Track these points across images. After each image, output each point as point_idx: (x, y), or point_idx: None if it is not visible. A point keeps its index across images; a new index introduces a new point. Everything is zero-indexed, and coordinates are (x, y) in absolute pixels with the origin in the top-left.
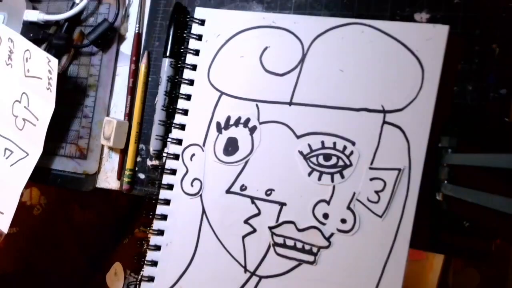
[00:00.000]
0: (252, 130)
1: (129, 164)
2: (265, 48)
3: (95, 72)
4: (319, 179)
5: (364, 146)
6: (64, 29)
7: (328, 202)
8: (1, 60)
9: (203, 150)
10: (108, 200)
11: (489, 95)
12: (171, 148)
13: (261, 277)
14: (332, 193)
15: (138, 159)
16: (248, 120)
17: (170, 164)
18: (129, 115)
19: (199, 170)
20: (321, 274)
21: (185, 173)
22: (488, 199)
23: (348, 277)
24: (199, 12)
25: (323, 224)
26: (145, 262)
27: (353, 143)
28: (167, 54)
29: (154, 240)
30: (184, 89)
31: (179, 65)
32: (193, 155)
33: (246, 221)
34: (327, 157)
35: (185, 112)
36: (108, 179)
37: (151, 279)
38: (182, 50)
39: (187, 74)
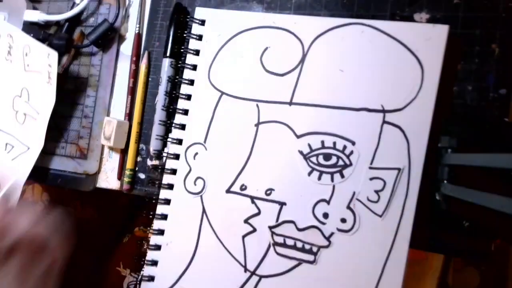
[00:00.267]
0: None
1: (129, 164)
2: (266, 48)
3: (95, 72)
4: (319, 178)
5: (364, 146)
6: (64, 29)
7: (328, 202)
8: (1, 56)
9: (206, 149)
10: (108, 199)
11: (489, 95)
12: (171, 148)
13: (261, 277)
14: (332, 192)
15: (139, 159)
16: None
17: (170, 164)
18: (129, 115)
19: (202, 169)
20: (321, 273)
21: (188, 171)
22: (488, 199)
23: (348, 276)
24: (199, 12)
25: (323, 223)
26: (145, 261)
27: (353, 143)
28: (167, 54)
29: (154, 239)
30: (184, 89)
31: (179, 65)
32: (196, 153)
33: (246, 221)
34: (327, 156)
35: (185, 112)
36: (109, 179)
37: (151, 278)
38: (182, 50)
39: (187, 74)
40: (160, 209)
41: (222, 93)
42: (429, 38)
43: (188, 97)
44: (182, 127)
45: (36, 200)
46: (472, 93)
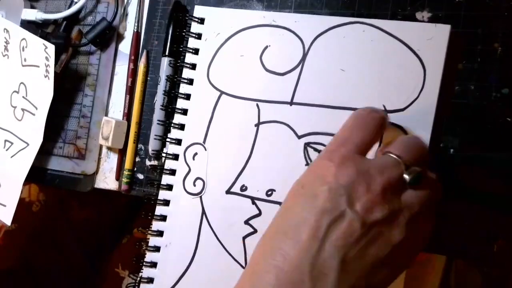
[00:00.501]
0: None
1: (127, 164)
2: (266, 47)
3: (93, 72)
4: None
5: None
6: (62, 28)
7: None
8: None
9: (205, 149)
10: (106, 199)
11: (491, 94)
12: (170, 148)
13: None
14: None
15: (137, 159)
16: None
17: (169, 164)
18: (127, 115)
19: (202, 169)
20: None
21: (188, 172)
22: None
23: None
24: (199, 11)
25: None
26: (144, 263)
27: None
28: (166, 53)
29: (153, 241)
30: (184, 88)
31: (178, 64)
32: (195, 154)
33: (246, 222)
34: None
35: (184, 111)
36: (107, 180)
37: (150, 280)
38: (181, 49)
39: (186, 73)
40: (159, 210)
41: (222, 92)
42: (431, 38)
43: (187, 97)
44: (181, 127)
45: (33, 200)
46: (474, 93)
